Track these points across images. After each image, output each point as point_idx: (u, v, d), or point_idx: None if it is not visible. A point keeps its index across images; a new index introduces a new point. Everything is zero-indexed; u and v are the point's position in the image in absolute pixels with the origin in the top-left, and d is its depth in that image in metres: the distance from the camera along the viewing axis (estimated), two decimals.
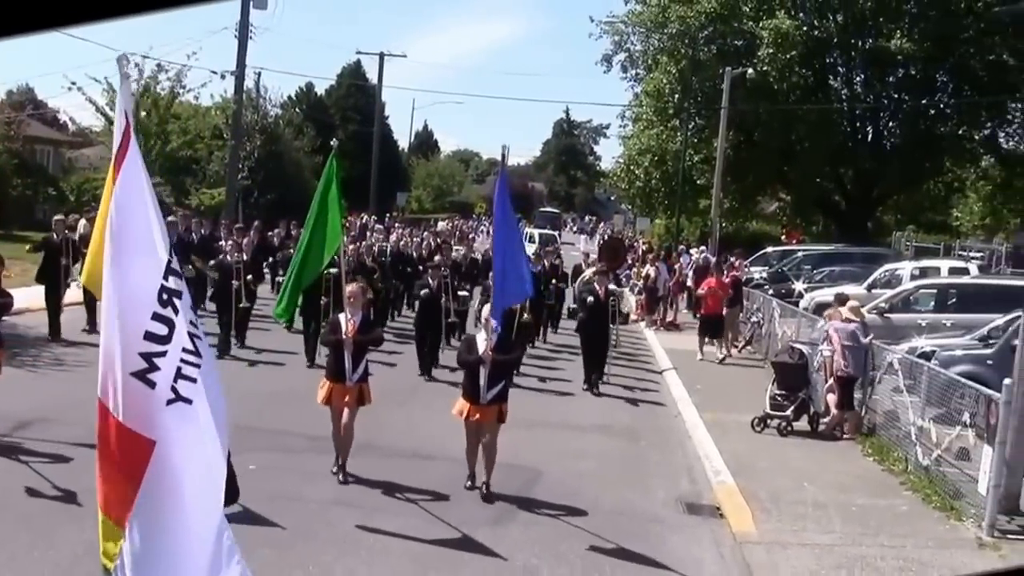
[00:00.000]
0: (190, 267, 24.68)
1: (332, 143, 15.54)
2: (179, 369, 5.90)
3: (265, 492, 13.02)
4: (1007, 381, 14.10)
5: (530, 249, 39.91)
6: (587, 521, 13.56)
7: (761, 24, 52.01)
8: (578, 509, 14.04)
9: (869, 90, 56.49)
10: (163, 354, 5.85)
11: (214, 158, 57.95)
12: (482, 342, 14.21)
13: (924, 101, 55.78)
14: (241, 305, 23.88)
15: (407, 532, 12.42)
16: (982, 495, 13.94)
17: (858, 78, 57.40)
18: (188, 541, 5.96)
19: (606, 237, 66.60)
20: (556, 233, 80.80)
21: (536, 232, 74.36)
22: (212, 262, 25.10)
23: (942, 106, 56.45)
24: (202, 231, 30.86)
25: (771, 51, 51.34)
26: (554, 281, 30.30)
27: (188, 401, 5.93)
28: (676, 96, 56.45)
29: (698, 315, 35.82)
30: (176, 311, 5.92)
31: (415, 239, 37.38)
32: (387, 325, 28.91)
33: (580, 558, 12.08)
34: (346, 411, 14.28)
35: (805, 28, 53.38)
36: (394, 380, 21.56)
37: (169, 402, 5.89)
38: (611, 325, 24.37)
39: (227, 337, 23.68)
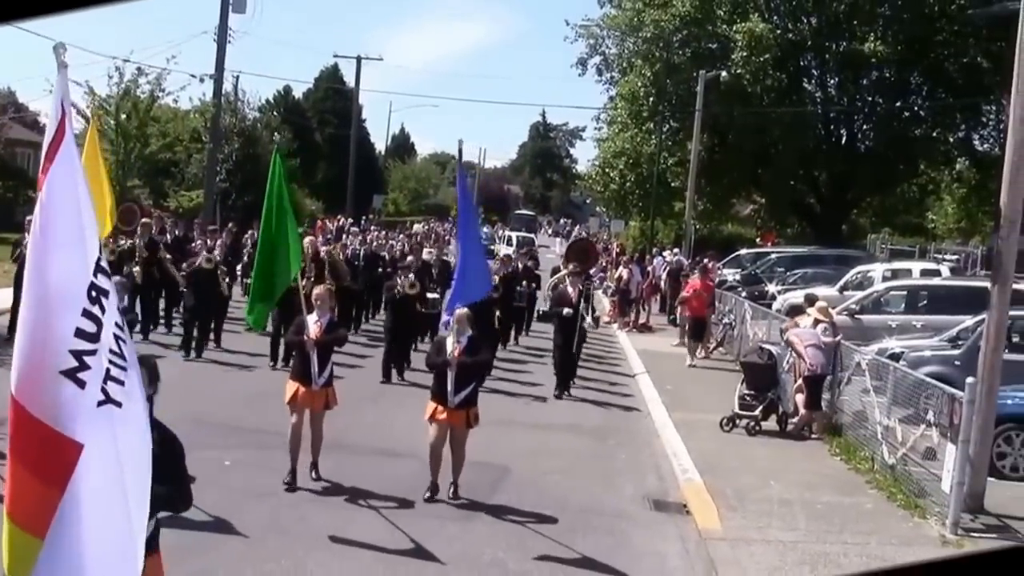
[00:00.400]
0: (132, 272, 24.46)
1: (275, 137, 15.18)
2: (108, 371, 5.51)
3: (239, 488, 13.36)
4: (970, 380, 14.29)
5: (507, 251, 40.00)
6: (554, 517, 13.73)
7: (735, 27, 52.06)
8: (545, 506, 14.19)
9: (843, 93, 56.59)
10: (93, 352, 5.44)
11: (193, 161, 58.09)
12: (451, 345, 14.16)
13: (898, 104, 56.02)
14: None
15: (377, 527, 12.63)
16: (946, 493, 14.09)
17: (832, 81, 57.44)
18: (112, 552, 5.51)
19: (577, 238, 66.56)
20: (533, 236, 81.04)
21: (514, 235, 74.74)
22: (184, 267, 24.85)
23: (916, 108, 56.71)
24: (176, 232, 30.72)
25: (745, 54, 51.43)
26: (525, 283, 30.10)
27: (118, 404, 5.53)
28: (651, 99, 56.54)
29: (671, 316, 36.16)
30: (103, 310, 5.53)
31: (390, 242, 37.38)
32: (360, 328, 29.30)
33: (546, 552, 12.25)
34: (312, 415, 14.26)
35: (779, 31, 53.45)
36: (365, 381, 21.76)
37: (100, 404, 5.46)
38: (580, 313, 23.64)
39: (202, 339, 23.89)
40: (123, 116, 48.55)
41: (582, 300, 23.62)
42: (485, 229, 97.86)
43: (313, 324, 14.48)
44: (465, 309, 14.56)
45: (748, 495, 15.05)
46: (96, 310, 5.51)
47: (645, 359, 28.76)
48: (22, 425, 5.41)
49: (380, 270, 30.28)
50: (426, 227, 76.52)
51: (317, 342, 14.25)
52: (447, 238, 67.89)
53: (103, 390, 5.48)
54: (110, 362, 5.53)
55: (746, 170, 56.25)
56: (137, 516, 5.58)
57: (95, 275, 5.56)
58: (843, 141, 57.42)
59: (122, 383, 5.57)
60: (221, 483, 13.24)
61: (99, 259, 5.65)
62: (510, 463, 16.31)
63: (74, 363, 5.40)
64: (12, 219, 48.10)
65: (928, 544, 13.40)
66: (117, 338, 5.62)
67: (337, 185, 75.10)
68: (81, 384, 5.42)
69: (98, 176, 16.20)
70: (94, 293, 5.51)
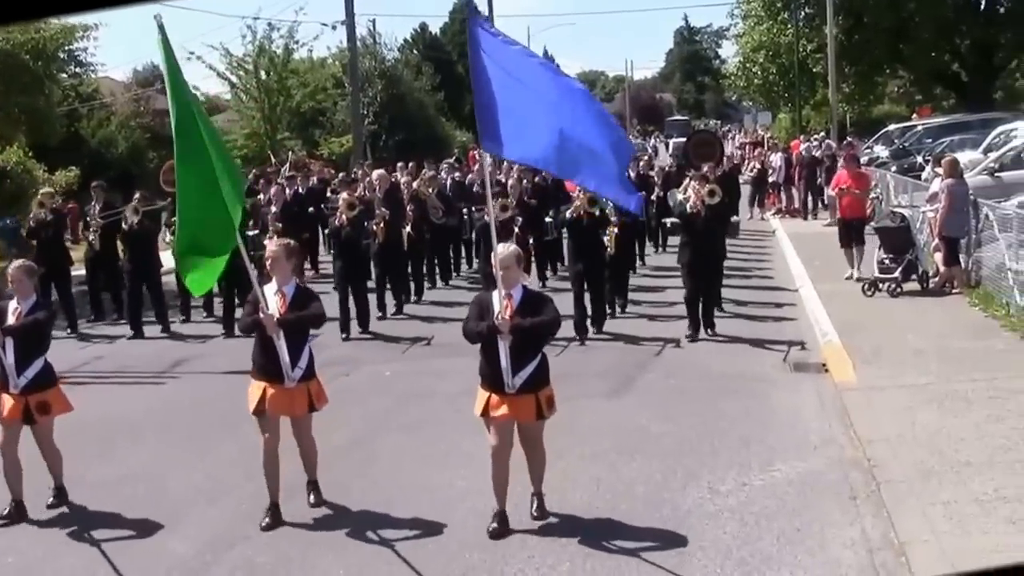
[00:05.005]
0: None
1: (155, 16, 9.47)
2: None
3: (398, 391, 14.52)
4: None
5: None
6: (696, 385, 14.72)
7: None
8: (689, 376, 15.19)
9: None
10: None
11: (339, 108, 59.37)
12: (497, 303, 9.62)
13: None
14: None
15: None
16: None
17: None
18: None
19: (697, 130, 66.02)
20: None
21: (670, 142, 75.21)
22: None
23: None
24: (310, 183, 28.39)
25: None
26: (643, 192, 25.05)
27: None
28: None
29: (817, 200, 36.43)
30: None
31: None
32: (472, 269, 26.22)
33: (686, 415, 13.13)
34: (293, 423, 10.38)
35: None
36: None
37: None
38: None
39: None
40: (262, 73, 49.97)
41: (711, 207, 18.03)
42: (637, 140, 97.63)
43: (273, 296, 10.25)
44: (512, 247, 9.97)
45: (884, 349, 15.69)
46: None
47: (795, 240, 29.23)
48: None
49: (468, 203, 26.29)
50: None
51: (282, 321, 10.03)
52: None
53: None
54: None
55: (886, 47, 55.31)
56: None
57: None
58: (981, 6, 56.03)
59: None
60: (387, 390, 14.39)
61: None
62: (657, 347, 17.27)
63: None
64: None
65: None
66: None
67: None
68: None
69: None
70: None
